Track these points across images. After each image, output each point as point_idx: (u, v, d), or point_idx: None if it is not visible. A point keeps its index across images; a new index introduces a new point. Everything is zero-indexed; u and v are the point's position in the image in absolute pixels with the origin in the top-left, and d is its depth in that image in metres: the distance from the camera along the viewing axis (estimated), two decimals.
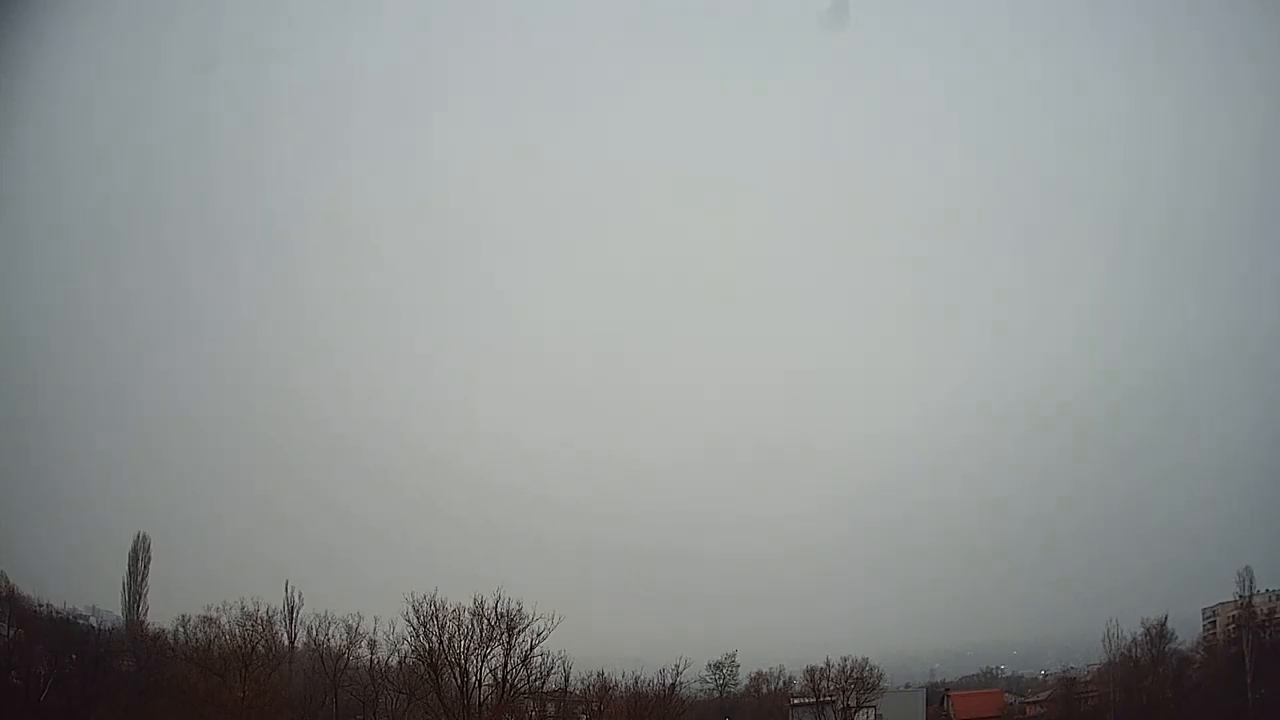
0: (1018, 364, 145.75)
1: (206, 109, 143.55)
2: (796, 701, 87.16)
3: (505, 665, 64.22)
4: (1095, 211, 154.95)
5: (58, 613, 72.48)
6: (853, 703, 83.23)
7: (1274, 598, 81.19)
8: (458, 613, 62.75)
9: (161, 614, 76.02)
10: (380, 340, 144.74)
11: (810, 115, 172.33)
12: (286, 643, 70.27)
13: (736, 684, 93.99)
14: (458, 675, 63.12)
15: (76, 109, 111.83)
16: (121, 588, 77.65)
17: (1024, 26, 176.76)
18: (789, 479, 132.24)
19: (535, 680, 67.24)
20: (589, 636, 78.93)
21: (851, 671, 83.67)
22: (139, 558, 77.94)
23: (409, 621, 62.17)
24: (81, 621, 75.13)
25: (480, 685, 63.77)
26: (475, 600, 63.35)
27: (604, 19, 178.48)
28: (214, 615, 65.50)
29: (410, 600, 61.85)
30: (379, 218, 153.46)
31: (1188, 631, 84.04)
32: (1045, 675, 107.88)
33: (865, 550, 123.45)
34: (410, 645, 63.48)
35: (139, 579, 77.69)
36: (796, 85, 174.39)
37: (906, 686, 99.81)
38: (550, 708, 72.29)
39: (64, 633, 70.27)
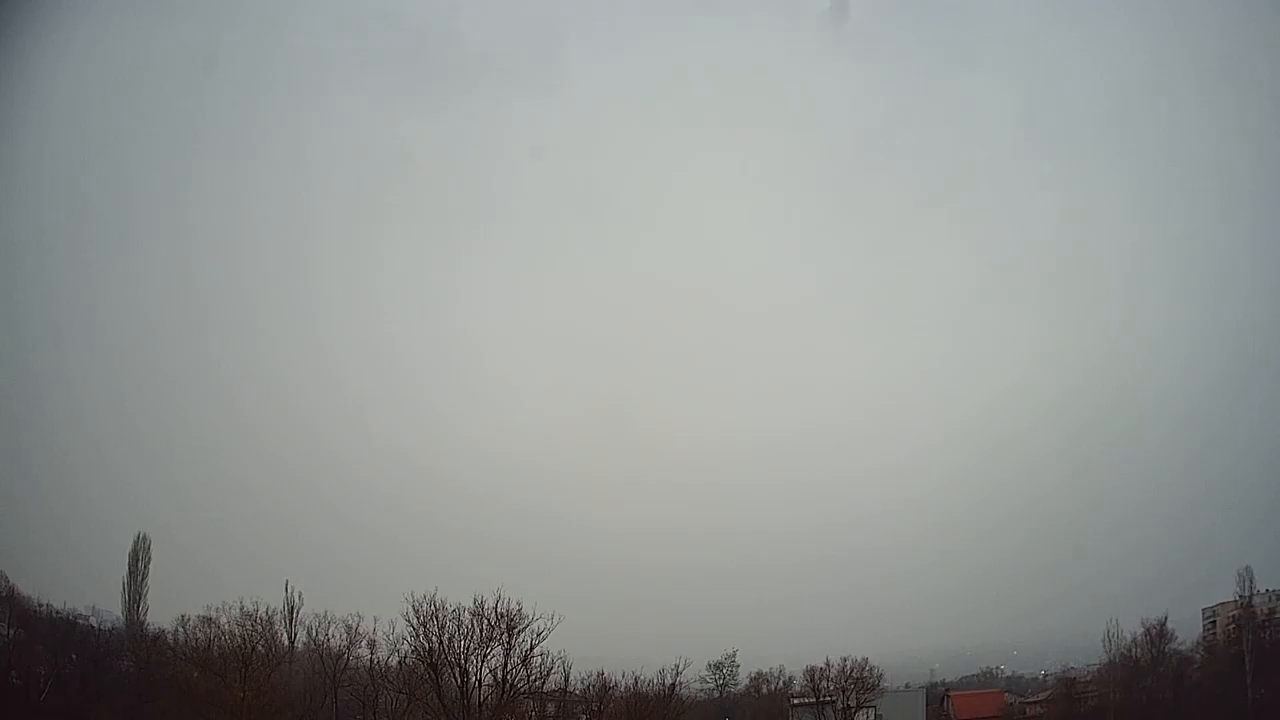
0: (1016, 365, 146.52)
1: (208, 110, 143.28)
2: (796, 701, 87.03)
3: (505, 665, 63.99)
4: (1094, 213, 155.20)
5: (58, 613, 72.29)
6: (853, 703, 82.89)
7: (1274, 598, 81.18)
8: (457, 613, 62.46)
9: (161, 614, 75.88)
10: (381, 344, 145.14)
11: (808, 121, 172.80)
12: (286, 643, 70.25)
13: (736, 684, 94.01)
14: (457, 675, 62.90)
15: (80, 108, 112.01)
16: (121, 588, 77.57)
17: (1047, 29, 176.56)
18: (790, 479, 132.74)
19: (535, 680, 66.98)
20: (589, 636, 78.90)
21: (851, 671, 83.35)
22: (139, 558, 77.83)
23: (409, 621, 61.89)
24: (81, 621, 74.82)
25: (480, 685, 63.59)
26: (475, 600, 63.22)
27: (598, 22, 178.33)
28: (214, 615, 65.13)
29: (410, 600, 61.70)
30: (384, 226, 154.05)
31: (1188, 631, 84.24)
32: (1045, 675, 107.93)
33: (865, 550, 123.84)
34: (410, 645, 63.13)
35: (139, 579, 77.56)
36: (797, 89, 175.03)
37: (906, 686, 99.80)
38: (550, 708, 72.16)
39: (64, 633, 70.21)
